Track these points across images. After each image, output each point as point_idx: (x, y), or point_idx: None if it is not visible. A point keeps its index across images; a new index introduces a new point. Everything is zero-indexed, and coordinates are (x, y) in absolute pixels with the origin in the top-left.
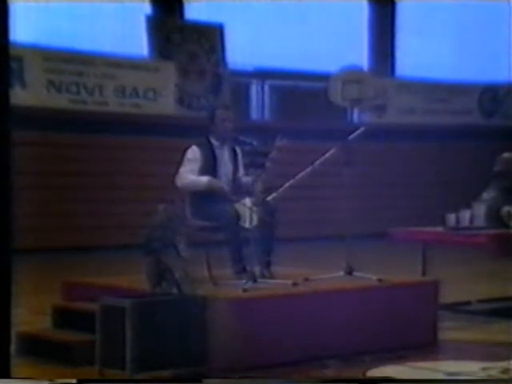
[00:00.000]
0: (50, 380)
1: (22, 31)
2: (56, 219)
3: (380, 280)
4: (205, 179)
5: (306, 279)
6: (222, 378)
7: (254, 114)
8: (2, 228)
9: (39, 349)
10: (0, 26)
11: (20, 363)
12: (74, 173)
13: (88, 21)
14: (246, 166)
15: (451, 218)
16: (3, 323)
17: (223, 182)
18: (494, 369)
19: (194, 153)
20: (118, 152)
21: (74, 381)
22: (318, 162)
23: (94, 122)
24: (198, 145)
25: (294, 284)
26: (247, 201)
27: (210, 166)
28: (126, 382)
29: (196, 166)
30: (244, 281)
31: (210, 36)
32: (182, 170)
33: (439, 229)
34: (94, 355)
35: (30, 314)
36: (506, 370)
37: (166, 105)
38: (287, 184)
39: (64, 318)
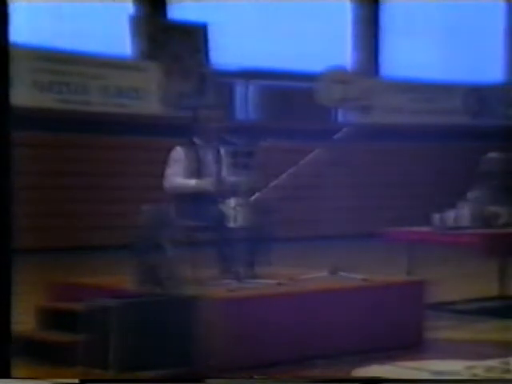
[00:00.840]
0: (50, 380)
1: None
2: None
3: (365, 280)
4: (193, 182)
5: (292, 279)
6: (226, 379)
7: (239, 114)
8: (1, 228)
9: (30, 350)
10: (0, 26)
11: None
12: (63, 173)
13: (72, 20)
14: (231, 166)
15: (437, 217)
16: (3, 323)
17: (208, 182)
18: (479, 367)
19: (177, 154)
20: (103, 152)
21: (76, 381)
22: (302, 162)
23: (79, 122)
24: (182, 145)
25: (280, 284)
26: (232, 201)
27: (194, 166)
28: (128, 381)
29: (181, 166)
30: (230, 281)
31: (195, 36)
32: (169, 172)
33: (425, 229)
34: (84, 356)
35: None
36: (490, 369)
37: (151, 105)
38: (272, 184)
39: (52, 318)
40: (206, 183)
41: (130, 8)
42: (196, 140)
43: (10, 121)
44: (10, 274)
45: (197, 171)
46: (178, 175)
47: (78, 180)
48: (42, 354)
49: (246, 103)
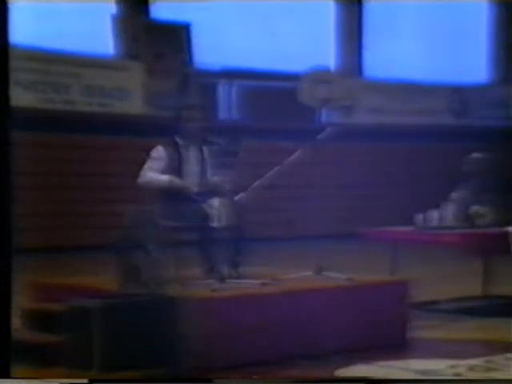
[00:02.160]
0: (58, 380)
1: None
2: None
3: (349, 279)
4: (165, 178)
5: (275, 279)
6: (233, 379)
7: (222, 114)
8: (1, 228)
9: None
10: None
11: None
12: (46, 173)
13: (55, 20)
14: (215, 166)
15: (421, 217)
16: (3, 323)
17: (190, 182)
18: (462, 366)
19: (158, 152)
20: (85, 151)
21: (85, 381)
22: (286, 162)
23: (62, 121)
24: (164, 145)
25: (263, 284)
26: (216, 201)
27: (175, 165)
28: (136, 381)
29: (159, 164)
30: (213, 281)
31: (177, 35)
32: (144, 168)
33: (409, 228)
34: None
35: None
36: (473, 368)
37: (134, 104)
38: (255, 184)
39: (35, 319)
40: (180, 180)
41: (112, 7)
42: (178, 140)
43: (11, 121)
44: (10, 273)
45: (178, 170)
46: (151, 171)
47: (61, 180)
48: (26, 355)
49: (229, 103)
